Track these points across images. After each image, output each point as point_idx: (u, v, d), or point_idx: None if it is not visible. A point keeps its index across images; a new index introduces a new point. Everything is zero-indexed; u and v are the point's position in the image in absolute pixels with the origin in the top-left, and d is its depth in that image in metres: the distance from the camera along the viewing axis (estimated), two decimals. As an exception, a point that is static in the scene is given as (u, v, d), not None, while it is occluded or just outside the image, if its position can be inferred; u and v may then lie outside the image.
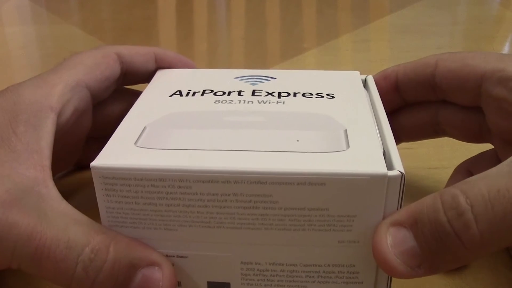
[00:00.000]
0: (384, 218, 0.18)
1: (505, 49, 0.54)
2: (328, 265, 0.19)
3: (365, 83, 0.26)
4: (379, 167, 0.18)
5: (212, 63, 0.51)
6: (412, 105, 0.27)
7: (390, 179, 0.17)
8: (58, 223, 0.18)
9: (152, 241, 0.19)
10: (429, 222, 0.17)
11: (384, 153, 0.19)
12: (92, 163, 0.18)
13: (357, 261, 0.19)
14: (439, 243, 0.16)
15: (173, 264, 0.20)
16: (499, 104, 0.22)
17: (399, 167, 0.18)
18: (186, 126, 0.21)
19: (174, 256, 0.20)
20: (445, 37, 0.57)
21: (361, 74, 0.26)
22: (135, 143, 0.19)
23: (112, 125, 0.21)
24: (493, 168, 0.17)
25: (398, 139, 0.26)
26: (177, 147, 0.19)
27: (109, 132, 0.20)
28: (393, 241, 0.17)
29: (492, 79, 0.22)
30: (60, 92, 0.22)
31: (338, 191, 0.18)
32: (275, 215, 0.18)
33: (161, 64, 0.27)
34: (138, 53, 0.27)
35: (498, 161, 0.24)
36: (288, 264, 0.19)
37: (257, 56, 0.53)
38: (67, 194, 0.27)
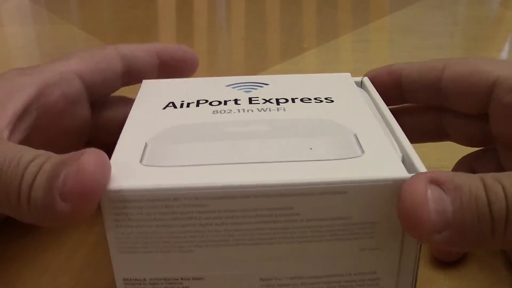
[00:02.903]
0: None
1: (505, 49, 0.54)
2: (350, 274, 0.19)
3: (361, 85, 0.25)
4: (400, 171, 0.17)
5: (212, 63, 0.51)
6: (414, 107, 0.27)
7: None
8: (13, 148, 0.18)
9: (165, 264, 0.18)
10: (470, 195, 0.16)
11: (402, 156, 0.19)
12: None
13: (378, 268, 0.19)
14: (474, 218, 0.16)
15: (187, 287, 0.19)
16: (508, 112, 0.22)
17: (422, 168, 0.18)
18: (190, 140, 0.20)
19: (189, 279, 0.19)
20: (445, 37, 0.57)
21: (361, 74, 0.26)
22: (141, 161, 0.18)
23: (115, 130, 0.21)
24: None
25: None
26: (186, 163, 0.18)
27: (111, 138, 0.20)
28: (432, 195, 0.16)
29: (504, 85, 0.22)
30: (44, 76, 0.23)
31: (360, 198, 0.17)
32: (296, 227, 0.18)
33: (164, 58, 0.27)
34: (138, 49, 0.27)
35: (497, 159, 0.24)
36: (308, 276, 0.19)
37: (257, 56, 0.53)
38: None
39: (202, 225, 0.18)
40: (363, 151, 0.19)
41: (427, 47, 0.53)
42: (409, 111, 0.27)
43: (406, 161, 0.19)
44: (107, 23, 0.65)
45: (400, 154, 0.19)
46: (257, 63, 0.51)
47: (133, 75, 0.27)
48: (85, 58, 0.25)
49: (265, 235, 0.18)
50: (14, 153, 0.18)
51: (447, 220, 0.16)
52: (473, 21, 0.63)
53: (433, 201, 0.16)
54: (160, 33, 0.61)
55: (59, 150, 0.21)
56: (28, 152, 0.18)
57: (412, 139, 0.27)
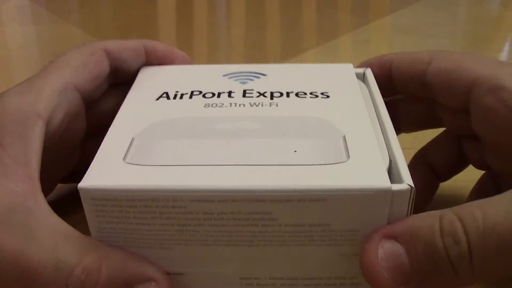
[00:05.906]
0: None
1: (505, 49, 0.54)
2: (330, 278, 0.19)
3: (363, 77, 0.25)
4: (382, 181, 0.17)
5: (212, 63, 0.51)
6: (409, 96, 0.27)
7: (395, 193, 0.17)
8: (47, 242, 0.17)
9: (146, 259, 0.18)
10: (425, 243, 0.16)
11: (390, 162, 0.18)
12: (80, 185, 0.17)
13: (359, 273, 0.18)
14: (432, 265, 0.16)
15: None
16: (486, 114, 0.21)
17: (407, 179, 0.17)
18: (176, 136, 0.20)
19: (169, 274, 0.19)
20: (445, 38, 0.57)
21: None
22: (124, 158, 0.18)
23: (108, 121, 0.21)
24: (494, 198, 0.16)
25: (398, 130, 0.25)
26: (168, 163, 0.18)
27: (105, 129, 0.20)
28: (384, 254, 0.16)
29: (484, 86, 0.21)
30: (47, 98, 0.21)
31: (340, 206, 0.17)
32: (274, 231, 0.18)
33: (151, 59, 0.26)
34: (126, 48, 0.25)
35: (452, 145, 0.25)
36: (288, 278, 0.19)
37: (257, 56, 0.53)
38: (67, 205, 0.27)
39: (181, 225, 0.18)
40: (348, 156, 0.18)
41: (427, 47, 0.53)
42: (403, 99, 0.27)
43: (394, 169, 0.18)
44: (107, 23, 0.65)
45: (388, 161, 0.18)
46: (257, 63, 0.51)
47: (119, 75, 0.26)
48: (78, 67, 0.23)
49: (243, 237, 0.18)
50: (49, 253, 0.17)
51: (406, 273, 0.16)
52: (473, 21, 0.63)
53: (386, 259, 0.16)
54: (160, 33, 0.61)
55: (55, 157, 0.21)
56: (68, 258, 0.17)
57: (410, 128, 0.27)
